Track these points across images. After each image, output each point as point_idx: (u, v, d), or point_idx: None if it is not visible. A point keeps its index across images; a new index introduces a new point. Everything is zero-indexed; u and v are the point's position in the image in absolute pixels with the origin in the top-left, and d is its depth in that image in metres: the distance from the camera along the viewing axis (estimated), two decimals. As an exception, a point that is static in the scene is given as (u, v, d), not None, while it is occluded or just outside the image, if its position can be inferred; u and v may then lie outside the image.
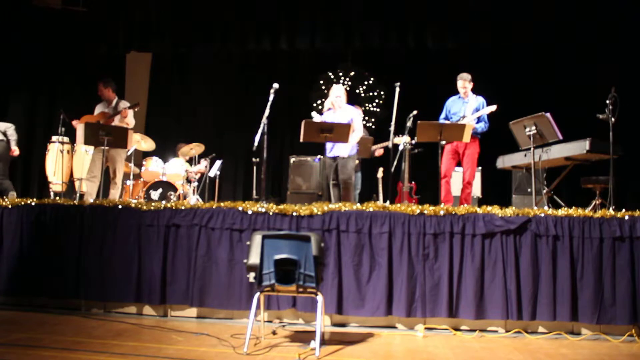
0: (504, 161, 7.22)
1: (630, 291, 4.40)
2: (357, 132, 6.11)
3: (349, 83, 9.63)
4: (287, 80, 7.67)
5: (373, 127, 9.21)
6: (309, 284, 3.67)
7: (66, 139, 7.41)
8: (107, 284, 4.83)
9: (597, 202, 6.27)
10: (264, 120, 5.52)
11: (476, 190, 7.37)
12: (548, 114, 5.37)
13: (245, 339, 3.67)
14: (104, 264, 4.86)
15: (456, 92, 6.32)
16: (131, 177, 7.63)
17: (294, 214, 4.73)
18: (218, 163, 8.30)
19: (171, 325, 4.42)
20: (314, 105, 9.57)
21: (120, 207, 4.98)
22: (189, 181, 7.91)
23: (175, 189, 7.57)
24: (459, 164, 6.28)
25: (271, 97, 5.60)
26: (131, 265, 4.83)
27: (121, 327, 4.31)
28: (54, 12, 8.68)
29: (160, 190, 7.52)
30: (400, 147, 7.08)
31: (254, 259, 3.71)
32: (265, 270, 3.68)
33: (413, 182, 7.32)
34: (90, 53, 8.89)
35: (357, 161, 6.32)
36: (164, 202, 5.08)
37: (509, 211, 4.61)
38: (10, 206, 5.14)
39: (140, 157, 8.20)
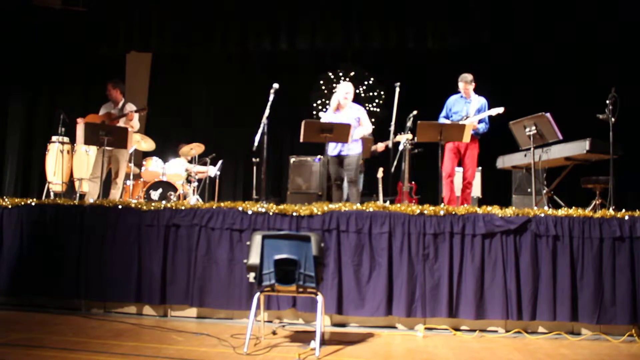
0: (504, 161, 7.22)
1: (630, 291, 4.40)
2: (367, 127, 6.09)
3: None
4: (287, 80, 7.67)
5: (373, 127, 9.18)
6: (309, 284, 3.67)
7: (66, 139, 7.41)
8: (107, 284, 4.83)
9: (597, 202, 6.27)
10: (264, 120, 5.52)
11: (476, 190, 7.37)
12: (548, 114, 5.37)
13: (245, 339, 3.67)
14: (104, 264, 4.86)
15: (457, 92, 6.32)
16: (131, 177, 7.63)
17: (294, 214, 4.73)
18: (218, 163, 8.30)
19: (171, 325, 4.42)
20: (314, 105, 9.58)
21: (120, 207, 4.98)
22: (188, 181, 7.91)
23: (175, 189, 7.57)
24: (458, 164, 6.28)
25: (271, 97, 5.60)
26: (131, 265, 4.83)
27: (121, 327, 4.31)
28: (54, 12, 8.68)
29: (160, 190, 7.52)
30: (401, 147, 7.08)
31: (254, 259, 3.71)
32: (265, 270, 3.68)
33: (413, 182, 7.32)
34: (90, 53, 8.89)
35: (361, 161, 6.31)
36: (164, 202, 5.08)
37: (509, 211, 4.61)
38: (10, 206, 5.14)
39: (140, 157, 8.20)
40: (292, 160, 7.44)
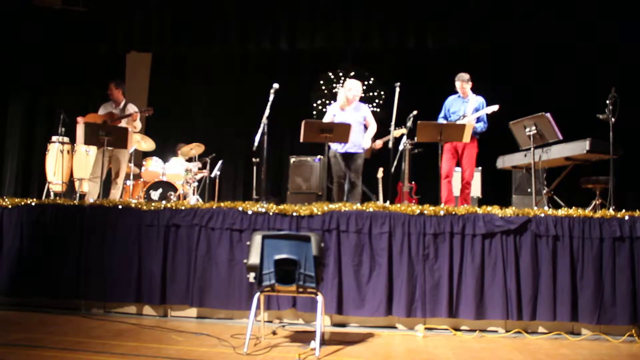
0: (504, 161, 7.23)
1: (630, 291, 4.40)
2: (373, 127, 6.17)
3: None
4: (287, 80, 7.67)
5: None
6: (309, 284, 3.67)
7: (66, 139, 7.41)
8: (107, 284, 4.83)
9: (597, 202, 6.27)
10: (264, 120, 5.52)
11: (476, 190, 7.37)
12: (548, 114, 5.37)
13: (245, 339, 3.67)
14: (104, 264, 4.86)
15: (455, 92, 6.32)
16: (131, 177, 7.63)
17: (294, 214, 4.73)
18: (218, 163, 8.30)
19: (171, 325, 4.42)
20: (314, 105, 9.57)
21: (120, 207, 4.98)
22: (187, 181, 7.90)
23: (175, 189, 7.57)
24: (457, 164, 6.28)
25: (271, 97, 5.60)
26: (131, 265, 4.83)
27: (121, 327, 4.31)
28: (53, 12, 8.67)
29: (160, 190, 7.52)
30: (401, 147, 7.08)
31: (254, 259, 3.71)
32: (265, 270, 3.68)
33: (413, 182, 7.32)
34: (90, 53, 8.89)
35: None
36: (164, 202, 5.08)
37: (509, 211, 4.61)
38: (10, 206, 5.14)
39: (140, 157, 8.20)
40: (292, 160, 7.43)
